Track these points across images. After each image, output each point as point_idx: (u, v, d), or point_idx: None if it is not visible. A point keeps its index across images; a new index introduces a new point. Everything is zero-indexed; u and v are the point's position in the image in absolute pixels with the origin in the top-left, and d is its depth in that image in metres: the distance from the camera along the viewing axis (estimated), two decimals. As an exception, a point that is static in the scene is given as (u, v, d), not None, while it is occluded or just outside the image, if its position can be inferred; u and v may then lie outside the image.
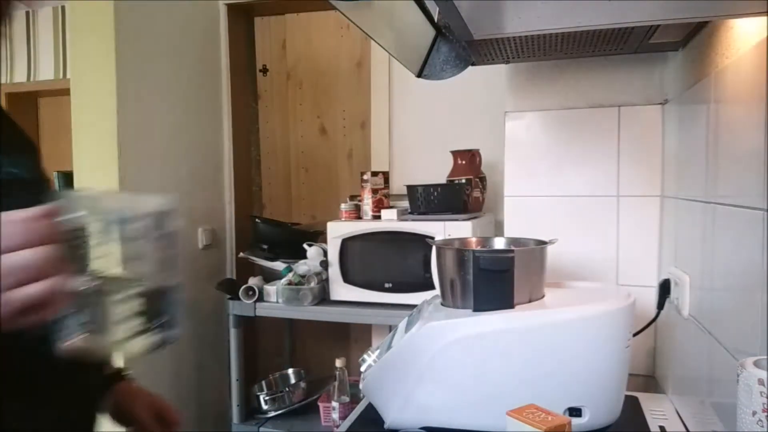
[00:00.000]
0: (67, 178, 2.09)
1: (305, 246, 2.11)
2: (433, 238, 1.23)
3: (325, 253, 1.98)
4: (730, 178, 0.86)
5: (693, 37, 1.11)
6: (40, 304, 0.48)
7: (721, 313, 0.90)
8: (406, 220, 1.88)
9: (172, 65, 2.25)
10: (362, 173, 2.04)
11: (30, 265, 0.48)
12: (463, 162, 1.95)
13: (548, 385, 0.96)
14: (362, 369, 1.07)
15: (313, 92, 2.99)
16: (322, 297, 1.96)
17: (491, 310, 0.98)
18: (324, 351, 2.72)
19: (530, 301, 1.02)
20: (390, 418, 1.03)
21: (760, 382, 0.59)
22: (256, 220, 2.41)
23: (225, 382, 2.37)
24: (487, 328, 0.98)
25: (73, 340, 0.52)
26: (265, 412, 2.19)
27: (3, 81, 3.73)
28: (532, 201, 1.44)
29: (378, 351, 1.06)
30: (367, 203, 1.98)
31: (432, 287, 1.12)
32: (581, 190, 1.40)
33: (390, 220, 1.90)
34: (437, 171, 2.03)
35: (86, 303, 0.52)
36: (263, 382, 2.38)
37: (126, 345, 0.55)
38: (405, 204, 1.97)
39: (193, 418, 2.32)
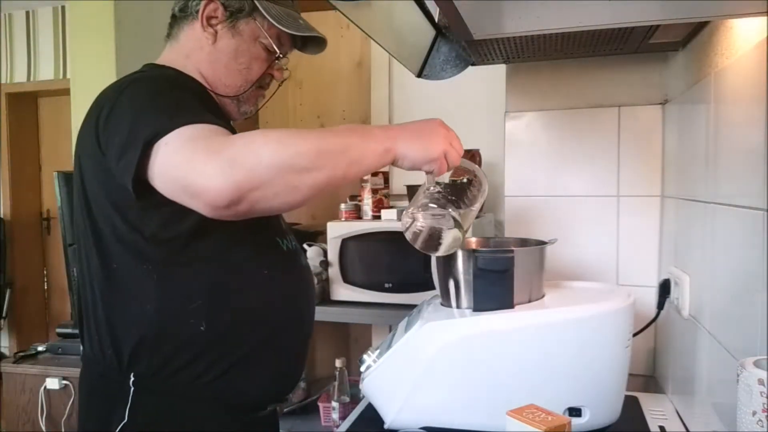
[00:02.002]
0: (68, 178, 2.08)
1: (305, 246, 2.11)
2: (433, 238, 1.23)
3: (325, 253, 1.97)
4: (730, 178, 0.86)
5: (693, 37, 1.11)
6: (451, 160, 0.94)
7: (721, 313, 0.90)
8: (406, 220, 1.87)
9: (172, 65, 2.24)
10: (362, 173, 2.03)
11: (458, 141, 0.95)
12: (463, 162, 1.95)
13: (548, 385, 0.96)
14: (362, 369, 1.07)
15: (313, 92, 2.98)
16: (322, 297, 1.96)
17: (491, 310, 0.98)
18: (324, 351, 2.72)
19: (530, 301, 1.02)
20: (390, 418, 1.03)
21: (760, 382, 0.59)
22: (256, 220, 2.39)
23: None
24: (487, 328, 0.98)
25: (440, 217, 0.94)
26: (265, 412, 2.19)
27: (3, 81, 3.73)
28: (532, 201, 1.44)
29: (378, 351, 1.06)
30: (367, 203, 1.98)
31: (432, 287, 1.12)
32: (581, 190, 1.40)
33: (390, 220, 1.90)
34: (437, 171, 2.02)
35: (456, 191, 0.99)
36: (263, 382, 2.37)
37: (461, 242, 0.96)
38: (405, 204, 1.96)
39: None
